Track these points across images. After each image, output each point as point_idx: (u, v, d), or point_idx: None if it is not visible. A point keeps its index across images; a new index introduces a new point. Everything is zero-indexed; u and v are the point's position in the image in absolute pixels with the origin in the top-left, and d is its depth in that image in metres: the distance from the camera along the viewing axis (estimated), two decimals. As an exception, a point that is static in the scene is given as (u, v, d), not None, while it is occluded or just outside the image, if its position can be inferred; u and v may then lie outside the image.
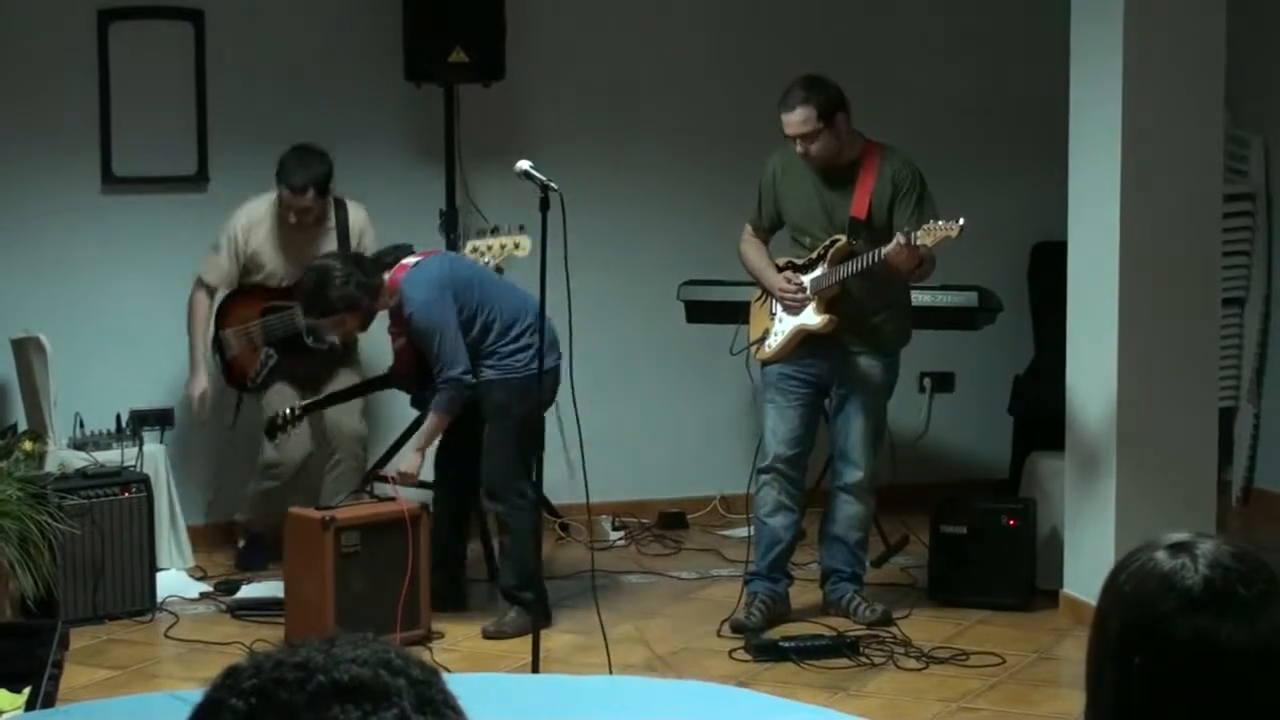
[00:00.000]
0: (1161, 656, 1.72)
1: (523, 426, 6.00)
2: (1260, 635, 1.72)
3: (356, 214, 6.99)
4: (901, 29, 8.18)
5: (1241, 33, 6.51)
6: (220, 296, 7.02)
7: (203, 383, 6.93)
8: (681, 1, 8.05)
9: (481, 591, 6.51)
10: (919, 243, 5.76)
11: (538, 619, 5.53)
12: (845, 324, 6.10)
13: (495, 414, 6.14)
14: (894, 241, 5.79)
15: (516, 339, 6.12)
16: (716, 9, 8.06)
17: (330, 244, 6.91)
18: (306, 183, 6.79)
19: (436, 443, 6.23)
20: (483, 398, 6.14)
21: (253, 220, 6.94)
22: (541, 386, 5.82)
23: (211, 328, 7.02)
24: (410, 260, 6.12)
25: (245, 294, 7.03)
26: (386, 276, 6.08)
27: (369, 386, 6.80)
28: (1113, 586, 1.79)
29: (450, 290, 6.06)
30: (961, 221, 5.69)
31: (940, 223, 5.73)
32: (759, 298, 6.35)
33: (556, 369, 6.17)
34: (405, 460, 6.14)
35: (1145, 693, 1.73)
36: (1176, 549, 1.77)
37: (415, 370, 6.21)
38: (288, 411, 6.51)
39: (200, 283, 6.98)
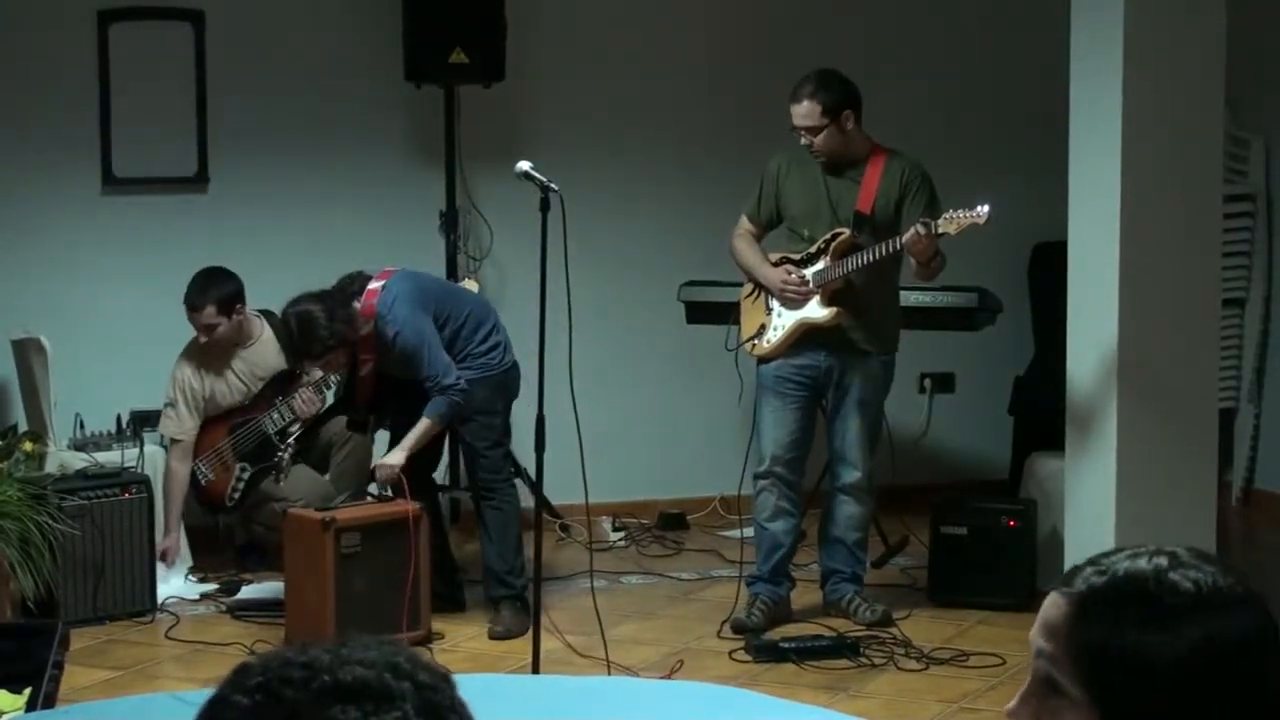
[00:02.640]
0: (1244, 660, 1.71)
1: (506, 421, 6.31)
2: (1255, 624, 1.74)
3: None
4: (901, 29, 8.18)
5: (1241, 33, 6.50)
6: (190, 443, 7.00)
7: (173, 544, 6.83)
8: (682, 2, 8.06)
9: (481, 592, 6.51)
10: (941, 232, 5.75)
11: (537, 613, 5.53)
12: (847, 318, 6.10)
13: (479, 412, 6.26)
14: (912, 231, 5.76)
15: (486, 339, 6.28)
16: (716, 10, 8.06)
17: (270, 354, 7.01)
18: (204, 301, 6.84)
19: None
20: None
21: (194, 365, 6.97)
22: (512, 381, 6.27)
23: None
24: (375, 285, 6.18)
25: (207, 423, 7.05)
26: (357, 305, 6.13)
27: (332, 413, 6.91)
28: (1167, 613, 1.72)
29: (424, 304, 6.16)
30: (986, 208, 5.68)
31: (963, 211, 5.72)
32: (750, 294, 6.35)
33: (517, 365, 6.34)
34: (392, 456, 6.17)
35: (1240, 698, 1.71)
36: (1174, 566, 1.74)
37: (373, 397, 6.37)
38: (279, 457, 6.63)
39: (172, 445, 6.94)
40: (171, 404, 6.94)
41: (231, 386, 7.01)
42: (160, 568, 6.65)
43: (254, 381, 7.02)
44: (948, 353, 7.89)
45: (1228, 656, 1.71)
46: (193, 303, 6.86)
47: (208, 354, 6.98)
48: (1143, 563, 1.75)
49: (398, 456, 6.12)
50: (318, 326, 6.07)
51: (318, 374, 6.63)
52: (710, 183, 7.80)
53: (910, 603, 6.49)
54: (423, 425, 6.11)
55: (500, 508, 6.28)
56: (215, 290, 6.87)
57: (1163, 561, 1.75)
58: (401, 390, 6.27)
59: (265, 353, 7.05)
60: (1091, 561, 1.79)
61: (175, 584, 6.75)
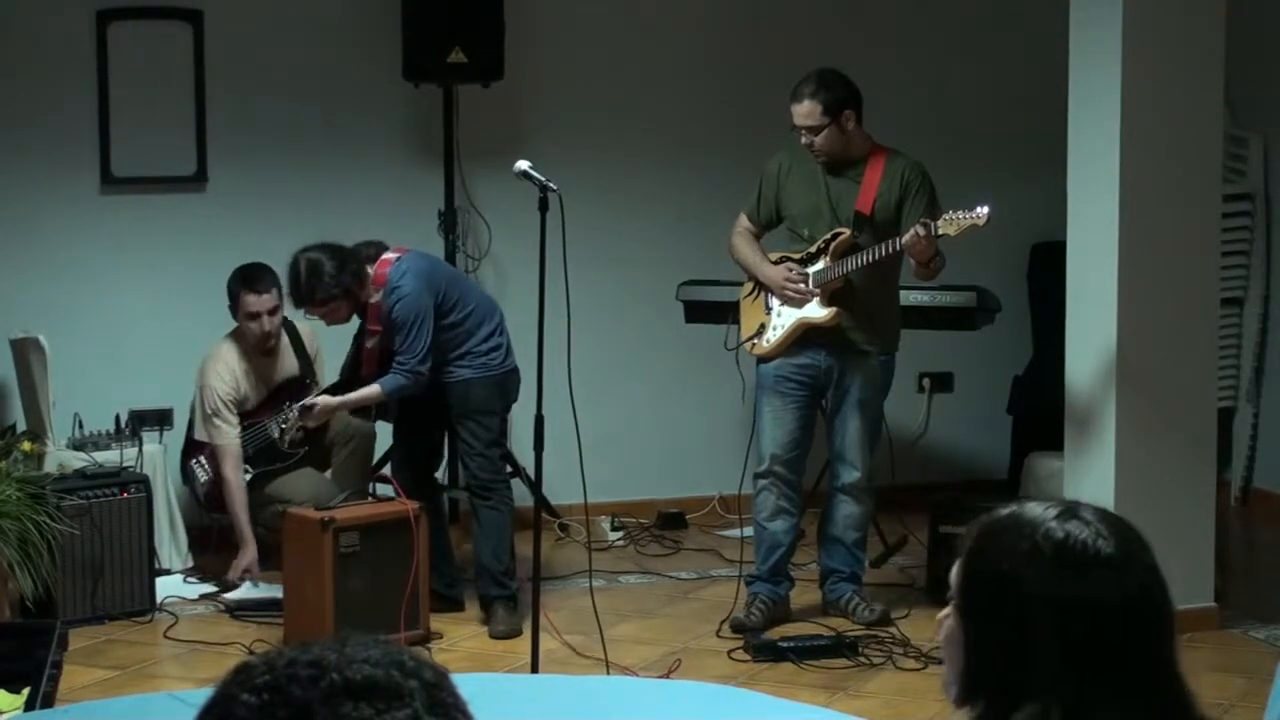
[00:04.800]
0: (1102, 619, 1.88)
1: (504, 421, 6.36)
2: (1153, 576, 1.93)
3: (305, 328, 7.02)
4: (901, 29, 8.18)
5: (1241, 33, 6.51)
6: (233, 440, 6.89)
7: (250, 556, 6.78)
8: (681, 2, 8.06)
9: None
10: (941, 233, 5.74)
11: (536, 613, 5.53)
12: (846, 318, 6.10)
13: (478, 411, 6.28)
14: (911, 231, 5.76)
15: (488, 338, 6.30)
16: (716, 9, 8.06)
17: (289, 360, 7.01)
18: (271, 284, 6.73)
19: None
20: (460, 397, 6.24)
21: (234, 371, 6.87)
22: (512, 384, 6.32)
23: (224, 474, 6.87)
24: (391, 255, 6.24)
25: None
26: (370, 269, 6.16)
27: (339, 389, 6.83)
28: (1020, 554, 1.90)
29: (433, 287, 6.20)
30: (986, 209, 5.67)
31: (962, 212, 5.71)
32: (749, 293, 6.35)
33: (517, 369, 6.37)
34: (322, 401, 6.18)
35: (1093, 652, 1.86)
36: (1066, 515, 1.92)
37: (379, 373, 6.32)
38: (286, 426, 6.59)
39: (226, 455, 6.79)
40: (216, 413, 6.80)
41: (256, 390, 6.97)
42: (245, 581, 6.72)
43: (269, 386, 6.99)
44: (947, 352, 7.89)
45: (1065, 607, 1.87)
46: (260, 288, 6.73)
47: (239, 357, 6.91)
48: (1040, 509, 1.94)
49: (330, 401, 6.25)
50: (325, 273, 6.14)
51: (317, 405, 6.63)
52: (710, 183, 7.81)
53: (909, 602, 6.49)
54: (371, 390, 6.20)
55: (497, 508, 6.29)
56: (272, 276, 6.74)
57: (1054, 510, 1.93)
58: None
59: (283, 358, 7.02)
60: (1018, 500, 2.01)
61: (173, 583, 6.75)
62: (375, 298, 6.21)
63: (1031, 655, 1.87)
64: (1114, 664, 1.86)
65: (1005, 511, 1.96)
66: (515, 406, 6.47)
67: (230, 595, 6.65)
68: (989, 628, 1.92)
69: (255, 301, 6.77)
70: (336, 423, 6.91)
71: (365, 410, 6.58)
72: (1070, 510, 1.93)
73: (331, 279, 6.14)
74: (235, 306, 6.83)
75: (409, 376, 6.11)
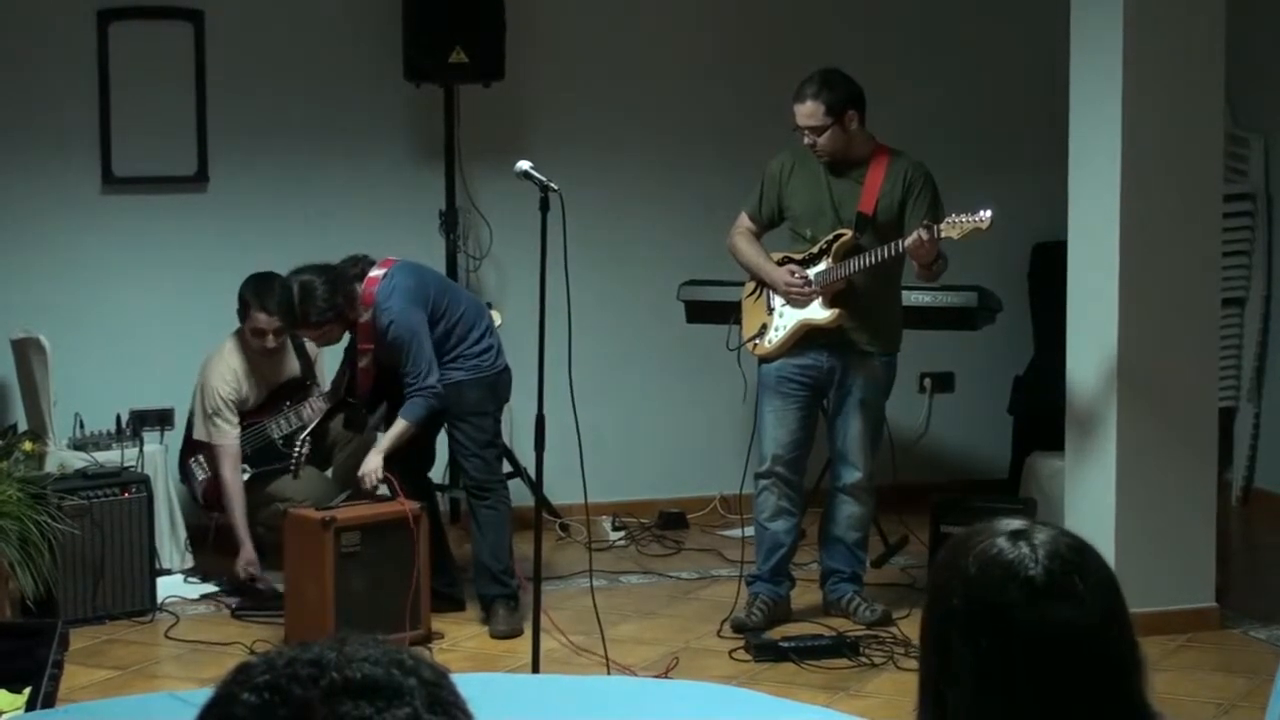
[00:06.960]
0: (1007, 639, 1.87)
1: (498, 422, 6.36)
2: (1089, 617, 1.88)
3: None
4: (901, 29, 8.18)
5: (1241, 33, 6.51)
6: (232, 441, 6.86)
7: (247, 556, 6.70)
8: (681, 2, 8.06)
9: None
10: (943, 235, 5.74)
11: (537, 612, 5.53)
12: (848, 319, 6.10)
13: (472, 413, 6.29)
14: (915, 234, 5.75)
15: (478, 340, 6.31)
16: (716, 10, 8.06)
17: (291, 362, 7.01)
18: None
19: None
20: (454, 399, 6.25)
21: (236, 372, 6.86)
22: (503, 384, 6.33)
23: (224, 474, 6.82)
24: (377, 272, 6.21)
25: None
26: (358, 288, 6.16)
27: (335, 411, 6.87)
28: (955, 565, 1.93)
29: (422, 300, 6.20)
30: (989, 213, 5.66)
31: (965, 215, 5.71)
32: (752, 293, 6.34)
33: (509, 369, 6.37)
34: (369, 461, 6.16)
35: (995, 669, 1.87)
36: (1016, 536, 1.91)
37: (372, 390, 6.35)
38: (298, 454, 6.59)
39: (225, 456, 6.77)
40: (216, 412, 6.79)
41: (257, 391, 6.97)
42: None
43: (269, 387, 6.99)
44: (947, 352, 7.89)
45: (975, 621, 1.88)
46: (270, 307, 6.65)
47: (242, 359, 6.90)
48: (1001, 525, 1.94)
49: (375, 460, 6.13)
50: (317, 296, 6.12)
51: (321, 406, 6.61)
52: (710, 182, 7.80)
53: (910, 602, 6.47)
54: (399, 426, 6.15)
55: (495, 508, 6.30)
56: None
57: (1011, 528, 1.93)
58: (400, 389, 6.27)
59: (285, 360, 7.03)
60: (1009, 514, 2.02)
61: (173, 583, 6.75)
62: (364, 317, 6.20)
63: (950, 667, 1.89)
64: (1023, 692, 1.85)
65: (979, 524, 1.97)
66: (516, 406, 6.47)
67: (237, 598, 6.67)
68: (926, 634, 1.95)
69: (264, 320, 6.76)
70: (339, 423, 6.92)
71: (356, 423, 6.59)
72: (1024, 532, 1.91)
73: (325, 301, 6.12)
74: (243, 313, 6.83)
75: (426, 395, 6.12)
